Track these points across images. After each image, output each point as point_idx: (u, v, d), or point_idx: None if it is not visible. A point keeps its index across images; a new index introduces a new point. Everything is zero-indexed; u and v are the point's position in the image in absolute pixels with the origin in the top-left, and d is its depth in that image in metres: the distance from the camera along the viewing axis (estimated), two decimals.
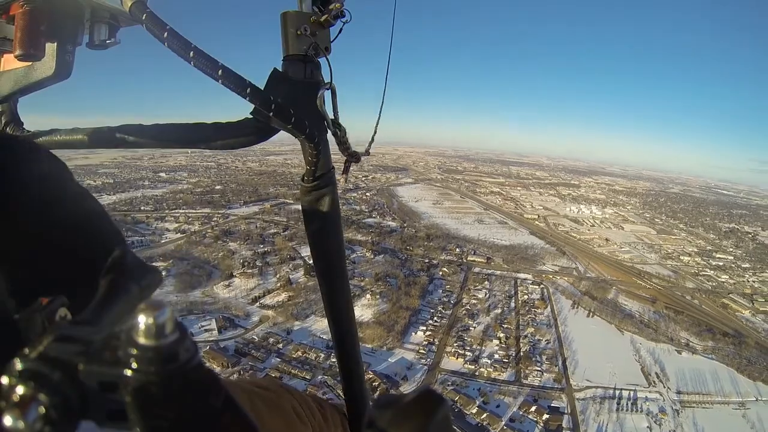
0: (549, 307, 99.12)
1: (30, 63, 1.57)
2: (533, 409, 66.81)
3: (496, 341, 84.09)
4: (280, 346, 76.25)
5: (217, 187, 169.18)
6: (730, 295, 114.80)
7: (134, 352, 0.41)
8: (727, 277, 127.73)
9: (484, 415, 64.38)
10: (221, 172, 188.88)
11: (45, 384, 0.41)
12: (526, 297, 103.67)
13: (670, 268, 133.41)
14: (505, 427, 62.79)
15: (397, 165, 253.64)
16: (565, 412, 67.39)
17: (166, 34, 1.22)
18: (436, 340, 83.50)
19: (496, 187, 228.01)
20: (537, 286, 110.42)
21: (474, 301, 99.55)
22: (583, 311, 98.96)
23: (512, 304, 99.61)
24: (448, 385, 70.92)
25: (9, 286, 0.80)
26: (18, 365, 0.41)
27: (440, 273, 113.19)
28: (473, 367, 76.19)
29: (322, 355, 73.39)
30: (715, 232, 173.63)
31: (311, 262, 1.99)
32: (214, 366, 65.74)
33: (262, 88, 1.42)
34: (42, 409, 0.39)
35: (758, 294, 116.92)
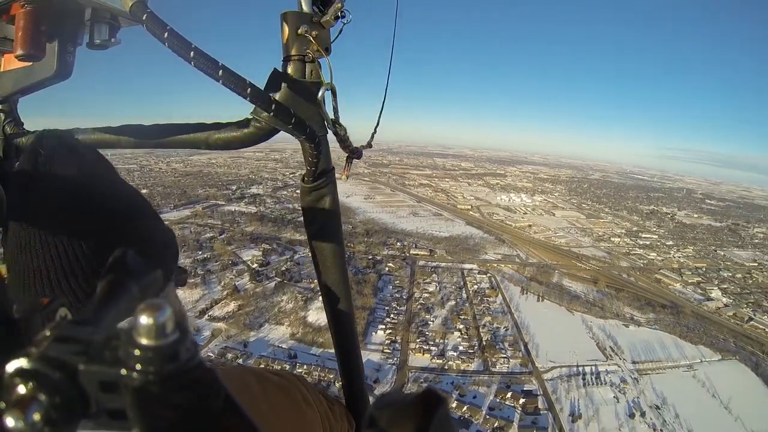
0: (500, 294, 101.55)
1: (30, 63, 1.56)
2: (509, 395, 68.22)
3: (457, 333, 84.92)
4: (240, 360, 72.21)
5: (143, 191, 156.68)
6: (661, 270, 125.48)
7: (134, 352, 0.41)
8: (655, 254, 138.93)
9: (465, 407, 64.61)
10: (144, 175, 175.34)
11: (45, 384, 0.40)
12: (476, 287, 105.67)
13: (604, 249, 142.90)
14: (487, 417, 63.56)
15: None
16: (538, 393, 69.80)
17: (166, 34, 1.23)
18: (397, 337, 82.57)
19: (425, 180, 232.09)
20: (484, 275, 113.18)
21: (426, 295, 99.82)
22: (533, 296, 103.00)
23: (464, 295, 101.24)
24: (422, 382, 70.46)
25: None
26: (18, 365, 0.41)
27: (387, 269, 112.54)
28: (441, 361, 76.37)
29: (287, 366, 69.67)
30: (638, 214, 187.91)
31: (311, 262, 2.03)
32: None
33: (262, 89, 1.43)
34: (42, 409, 0.39)
35: (685, 268, 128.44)
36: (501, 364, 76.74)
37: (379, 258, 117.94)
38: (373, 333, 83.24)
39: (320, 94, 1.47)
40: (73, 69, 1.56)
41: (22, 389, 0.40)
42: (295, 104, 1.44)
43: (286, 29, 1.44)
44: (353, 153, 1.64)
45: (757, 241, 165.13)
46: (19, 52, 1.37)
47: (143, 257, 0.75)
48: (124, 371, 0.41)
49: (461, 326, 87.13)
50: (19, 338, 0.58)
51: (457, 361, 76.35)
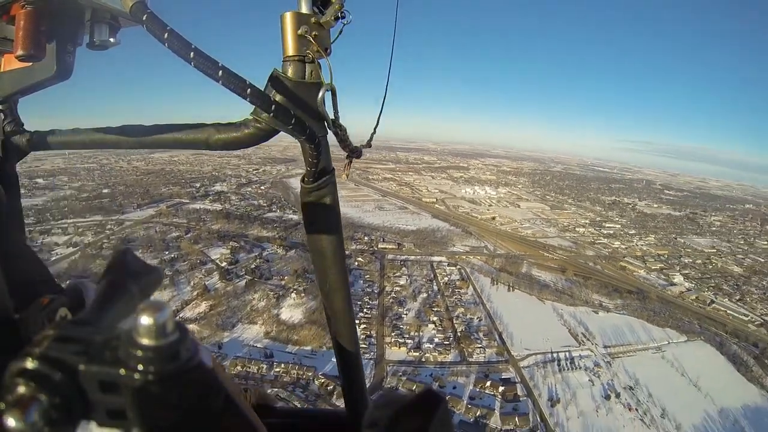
0: (471, 286, 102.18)
1: (31, 63, 1.56)
2: (488, 384, 68.90)
3: (431, 325, 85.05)
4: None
5: (105, 190, 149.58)
6: (625, 258, 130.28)
7: (134, 352, 0.41)
8: (619, 243, 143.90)
9: (446, 398, 64.01)
10: (105, 174, 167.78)
11: (45, 384, 0.40)
12: (446, 279, 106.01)
13: (569, 239, 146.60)
14: (469, 406, 63.85)
15: (286, 156, 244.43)
16: (516, 381, 70.71)
17: (166, 34, 1.23)
18: (372, 332, 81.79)
19: (389, 173, 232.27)
20: (454, 267, 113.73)
21: (397, 288, 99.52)
22: (503, 286, 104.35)
23: (435, 287, 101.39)
24: (401, 376, 70.03)
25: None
26: (18, 365, 0.41)
27: (356, 263, 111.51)
28: (418, 354, 76.22)
29: (264, 366, 69.16)
30: (601, 204, 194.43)
31: (311, 262, 1.98)
32: None
33: (262, 89, 1.44)
34: (42, 409, 0.39)
35: (648, 255, 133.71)
36: (477, 354, 77.27)
37: (347, 253, 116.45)
38: None
39: (320, 94, 1.46)
40: (73, 69, 1.55)
41: (22, 389, 0.40)
42: (295, 105, 1.44)
43: (286, 30, 1.43)
44: (353, 152, 1.65)
45: (714, 228, 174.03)
46: (20, 52, 1.36)
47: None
48: (124, 371, 0.41)
49: (435, 318, 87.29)
50: (19, 338, 0.61)
51: (434, 353, 76.38)
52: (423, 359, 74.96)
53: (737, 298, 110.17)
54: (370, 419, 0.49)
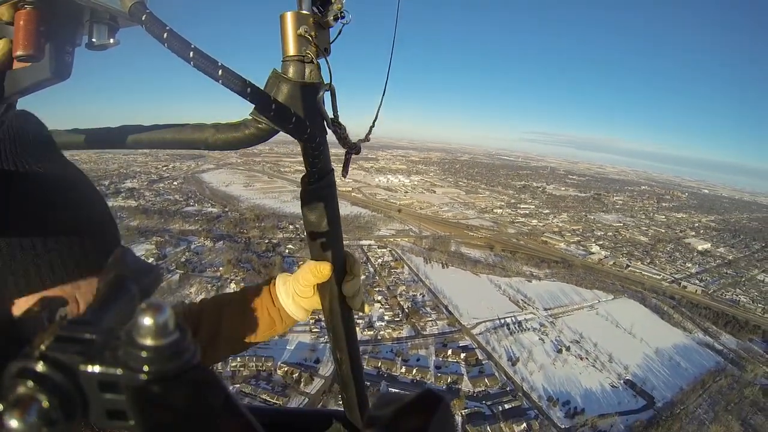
0: (405, 266, 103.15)
1: (29, 64, 1.49)
2: (449, 352, 70.55)
3: (377, 305, 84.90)
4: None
5: None
6: (545, 234, 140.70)
7: (134, 352, 0.41)
8: (537, 221, 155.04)
9: (414, 370, 65.38)
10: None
11: (45, 384, 0.40)
12: (380, 261, 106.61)
13: (489, 219, 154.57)
14: (439, 374, 65.07)
15: (192, 153, 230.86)
16: (474, 347, 72.48)
17: (165, 34, 1.21)
18: (320, 315, 78.88)
19: (299, 166, 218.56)
20: (384, 249, 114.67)
21: None
22: (437, 264, 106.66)
23: (370, 269, 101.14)
24: (364, 355, 67.99)
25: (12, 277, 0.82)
26: (18, 365, 0.41)
27: (287, 251, 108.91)
28: (372, 332, 76.12)
29: (219, 364, 62.80)
30: (512, 188, 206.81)
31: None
32: None
33: (262, 89, 1.43)
34: (42, 410, 0.39)
35: (564, 231, 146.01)
36: (431, 327, 78.61)
37: (275, 241, 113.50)
38: None
39: (320, 94, 1.47)
40: (72, 70, 1.50)
41: (22, 389, 0.39)
42: (294, 105, 1.42)
43: (286, 30, 1.43)
44: (352, 149, 1.60)
45: (618, 206, 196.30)
46: (18, 53, 1.34)
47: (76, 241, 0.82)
48: (124, 371, 0.40)
49: (379, 297, 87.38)
50: (19, 338, 0.61)
51: (388, 330, 76.44)
52: (379, 337, 74.56)
53: (648, 261, 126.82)
54: (370, 419, 0.44)
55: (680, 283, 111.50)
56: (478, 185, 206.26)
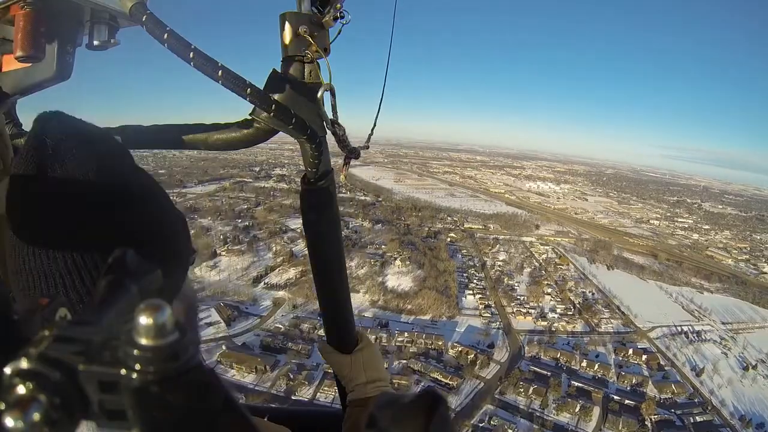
0: (570, 263, 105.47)
1: (30, 64, 1.57)
2: (630, 352, 72.44)
3: (547, 297, 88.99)
4: (321, 332, 72.32)
5: (161, 171, 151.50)
6: (710, 249, 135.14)
7: (134, 352, 0.40)
8: (698, 236, 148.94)
9: (596, 366, 67.99)
10: (158, 160, 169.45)
11: (45, 384, 0.40)
12: (544, 256, 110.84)
13: (647, 230, 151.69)
14: (622, 373, 67.16)
15: (335, 150, 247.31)
16: (653, 351, 74.19)
17: (166, 35, 1.21)
18: (490, 302, 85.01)
19: (448, 168, 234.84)
20: (547, 247, 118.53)
21: (499, 263, 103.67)
22: (602, 266, 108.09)
23: (535, 263, 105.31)
24: (541, 345, 72.91)
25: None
26: (18, 365, 0.41)
27: (449, 239, 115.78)
28: (545, 323, 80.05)
29: (384, 336, 68.34)
30: (665, 203, 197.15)
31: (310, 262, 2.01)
32: (244, 371, 59.59)
33: (262, 89, 1.43)
34: (42, 410, 0.39)
35: (730, 247, 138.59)
36: (605, 324, 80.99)
37: (435, 230, 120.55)
38: (464, 298, 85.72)
39: (319, 94, 1.47)
40: (73, 70, 1.60)
41: (21, 389, 0.40)
42: (294, 105, 1.44)
43: (286, 30, 1.45)
44: (351, 153, 1.66)
45: None
46: (19, 53, 1.38)
47: (152, 249, 0.87)
48: (123, 371, 0.40)
49: (549, 290, 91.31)
50: (19, 338, 0.55)
51: (561, 323, 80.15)
52: (553, 328, 78.40)
53: None
54: (370, 419, 0.45)
55: None
56: (629, 197, 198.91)
